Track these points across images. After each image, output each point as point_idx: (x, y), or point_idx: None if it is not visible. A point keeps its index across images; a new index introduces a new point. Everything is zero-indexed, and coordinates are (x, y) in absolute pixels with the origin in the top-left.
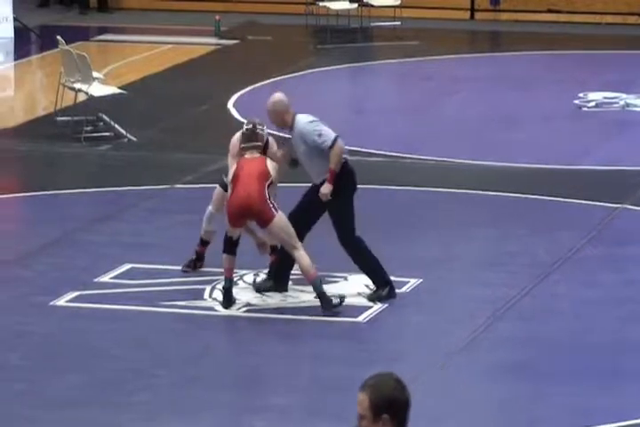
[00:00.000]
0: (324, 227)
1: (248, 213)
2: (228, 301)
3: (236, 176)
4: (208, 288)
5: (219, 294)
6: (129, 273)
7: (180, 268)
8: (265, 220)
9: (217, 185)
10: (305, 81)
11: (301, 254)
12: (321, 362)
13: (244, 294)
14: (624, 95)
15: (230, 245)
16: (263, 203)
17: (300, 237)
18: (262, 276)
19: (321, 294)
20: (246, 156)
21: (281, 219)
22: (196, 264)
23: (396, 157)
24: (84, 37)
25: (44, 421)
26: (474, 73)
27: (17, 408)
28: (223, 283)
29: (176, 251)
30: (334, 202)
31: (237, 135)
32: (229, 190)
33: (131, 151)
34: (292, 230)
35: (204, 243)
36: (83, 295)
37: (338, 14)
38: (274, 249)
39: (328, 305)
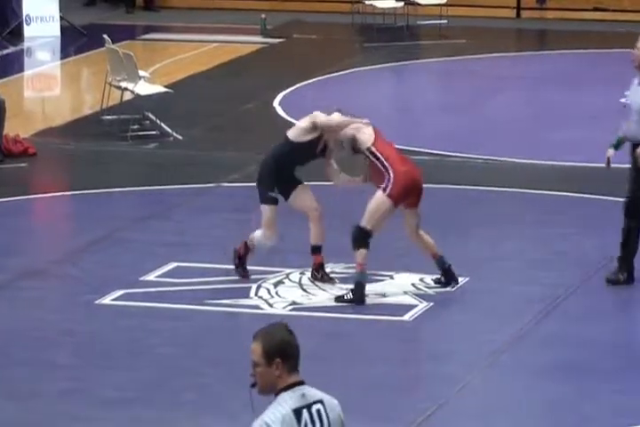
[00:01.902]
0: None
1: (418, 190)
2: (362, 296)
3: (393, 150)
4: (254, 287)
5: (264, 293)
6: (174, 272)
7: (225, 266)
8: (420, 199)
9: (264, 204)
10: (350, 79)
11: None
12: (366, 361)
13: (290, 292)
14: None
15: (368, 239)
16: None
17: None
18: (307, 274)
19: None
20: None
21: None
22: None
23: (441, 155)
24: (130, 36)
25: (90, 419)
26: (520, 71)
27: (63, 407)
28: (358, 278)
29: (222, 249)
30: None
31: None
32: (392, 163)
33: (176, 150)
34: None
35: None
36: (128, 294)
37: (384, 13)
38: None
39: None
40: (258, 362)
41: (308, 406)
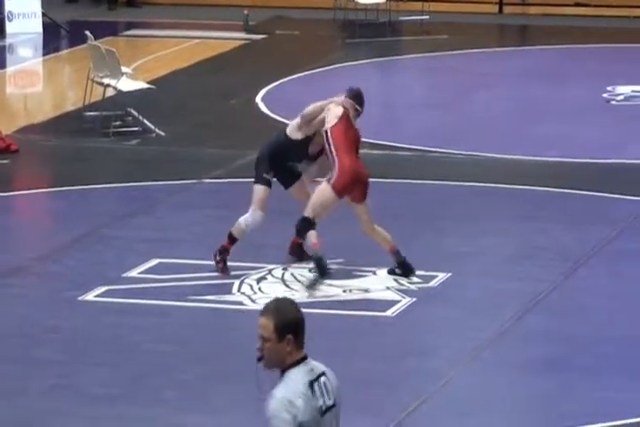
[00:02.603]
0: (353, 221)
1: (363, 185)
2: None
3: (347, 142)
4: (237, 283)
5: (247, 289)
6: (157, 268)
7: (208, 262)
8: (366, 193)
9: (258, 184)
10: (333, 75)
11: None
12: (349, 356)
13: (272, 288)
14: None
15: (312, 228)
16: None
17: None
18: (290, 270)
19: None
20: (354, 121)
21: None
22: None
23: (424, 151)
24: (113, 32)
25: (75, 415)
26: (502, 67)
27: (47, 403)
28: (315, 255)
29: (204, 246)
30: None
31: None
32: (340, 154)
33: (159, 146)
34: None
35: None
36: (111, 290)
37: (366, 8)
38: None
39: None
40: (268, 337)
41: (317, 379)
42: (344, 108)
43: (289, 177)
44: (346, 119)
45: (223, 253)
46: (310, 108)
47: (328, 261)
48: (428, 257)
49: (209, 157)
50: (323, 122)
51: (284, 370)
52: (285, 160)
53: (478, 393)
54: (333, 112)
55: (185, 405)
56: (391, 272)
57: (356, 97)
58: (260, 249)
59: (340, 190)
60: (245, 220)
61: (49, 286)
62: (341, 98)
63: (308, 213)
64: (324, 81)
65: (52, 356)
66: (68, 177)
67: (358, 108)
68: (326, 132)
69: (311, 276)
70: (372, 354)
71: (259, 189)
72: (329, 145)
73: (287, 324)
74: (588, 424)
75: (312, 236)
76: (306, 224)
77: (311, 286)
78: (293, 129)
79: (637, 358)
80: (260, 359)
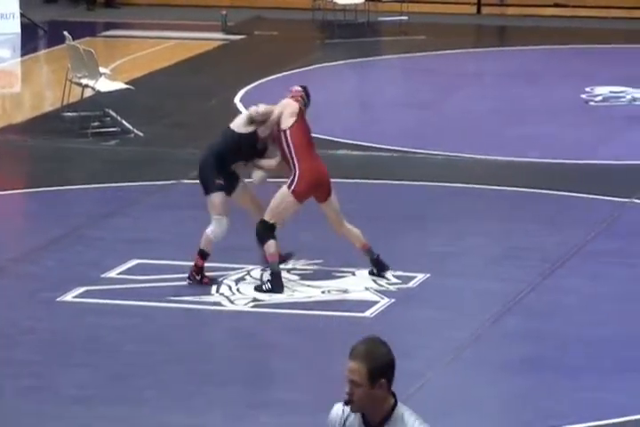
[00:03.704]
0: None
1: (324, 186)
2: (280, 285)
3: (306, 143)
4: (215, 283)
5: (226, 289)
6: (136, 269)
7: (187, 263)
8: (329, 192)
9: (213, 192)
10: (311, 76)
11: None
12: (328, 357)
13: (251, 288)
14: (631, 89)
15: (272, 232)
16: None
17: None
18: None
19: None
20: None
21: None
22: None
23: (403, 151)
24: (91, 33)
25: (52, 416)
26: (480, 67)
27: (24, 404)
28: (273, 268)
29: (183, 246)
30: None
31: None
32: (299, 158)
33: (137, 146)
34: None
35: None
36: (90, 291)
37: (344, 9)
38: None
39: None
40: (360, 383)
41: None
42: (298, 102)
43: (232, 182)
44: (301, 116)
45: (200, 272)
46: (264, 109)
47: (283, 272)
48: (407, 258)
49: (187, 157)
50: (278, 121)
51: (391, 411)
52: (231, 161)
53: (457, 393)
54: (289, 109)
55: (164, 405)
56: (372, 273)
57: (304, 88)
58: (238, 250)
59: (299, 195)
60: (213, 232)
61: (26, 287)
62: (291, 91)
63: (267, 216)
64: (302, 81)
65: (29, 356)
66: (46, 177)
67: (304, 96)
68: (284, 132)
69: (267, 284)
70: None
71: (216, 197)
72: (287, 147)
73: (381, 368)
74: (567, 425)
75: (271, 246)
76: (265, 228)
77: (259, 289)
78: (242, 123)
79: (616, 357)
80: (347, 403)
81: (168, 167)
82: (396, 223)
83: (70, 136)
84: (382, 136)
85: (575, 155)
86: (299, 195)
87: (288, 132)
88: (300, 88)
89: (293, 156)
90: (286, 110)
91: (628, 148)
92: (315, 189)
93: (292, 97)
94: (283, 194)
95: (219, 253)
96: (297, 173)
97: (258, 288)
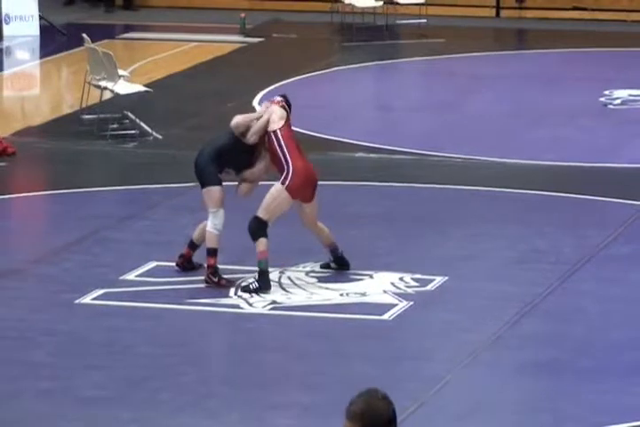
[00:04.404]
0: (349, 226)
1: (314, 186)
2: (268, 283)
3: (296, 144)
4: (234, 286)
5: (244, 292)
6: (154, 271)
7: (205, 265)
8: (314, 195)
9: (212, 186)
10: (329, 79)
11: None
12: (346, 359)
13: (271, 292)
14: None
15: (265, 229)
16: None
17: None
18: (287, 273)
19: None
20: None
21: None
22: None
23: (421, 154)
24: (110, 35)
25: (70, 418)
26: (499, 71)
27: (42, 405)
28: (261, 266)
29: (201, 248)
30: None
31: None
32: (292, 155)
33: (156, 149)
34: None
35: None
36: (108, 293)
37: (363, 12)
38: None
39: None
40: None
41: None
42: (284, 108)
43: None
44: (287, 121)
45: (216, 273)
46: (242, 119)
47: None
48: (425, 261)
49: None
50: (266, 125)
51: None
52: (226, 161)
53: (475, 396)
54: (277, 113)
55: (181, 407)
56: (325, 266)
57: (284, 97)
58: (256, 253)
59: (294, 192)
60: (214, 226)
61: (46, 289)
62: (273, 101)
63: (261, 213)
64: (321, 84)
65: (47, 358)
66: (65, 180)
67: (285, 105)
68: (274, 133)
69: (254, 284)
70: (369, 358)
71: (215, 190)
72: (279, 146)
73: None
74: None
75: (262, 244)
76: (259, 225)
77: (246, 290)
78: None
79: (634, 360)
80: None
81: (186, 170)
82: (413, 226)
83: (89, 138)
84: (400, 139)
85: (593, 158)
86: (293, 191)
87: (279, 132)
88: (280, 98)
89: (286, 153)
90: (274, 115)
91: None
92: (306, 187)
93: (282, 106)
94: (277, 190)
95: (237, 256)
96: (290, 169)
97: (245, 288)
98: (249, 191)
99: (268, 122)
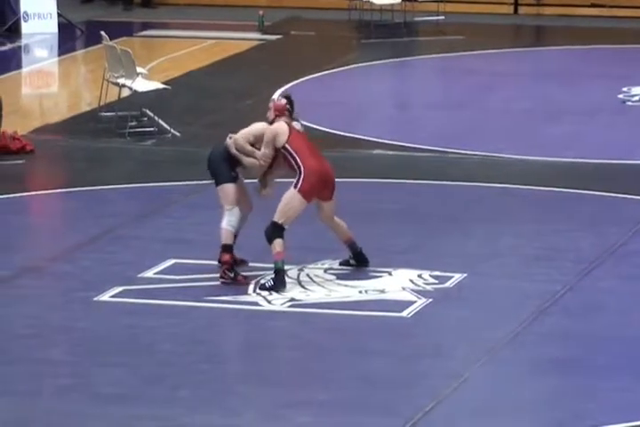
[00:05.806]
0: (367, 223)
1: (330, 185)
2: (283, 282)
3: (306, 146)
4: (252, 283)
5: (261, 290)
6: (173, 268)
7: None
8: (333, 193)
9: (226, 183)
10: (348, 76)
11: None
12: (365, 357)
13: (288, 288)
14: None
15: (281, 233)
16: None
17: None
18: (306, 270)
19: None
20: (297, 128)
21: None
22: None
23: (440, 151)
24: (128, 33)
25: (88, 416)
26: (517, 67)
27: (61, 403)
28: (277, 266)
29: (219, 246)
30: None
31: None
32: (303, 159)
33: (174, 146)
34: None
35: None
36: (127, 291)
37: (381, 9)
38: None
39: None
40: None
41: None
42: (283, 121)
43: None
44: (291, 129)
45: (232, 269)
46: (240, 140)
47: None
48: (444, 258)
49: None
50: (273, 146)
51: None
52: (239, 162)
53: (494, 394)
54: (280, 132)
55: (199, 405)
56: (345, 263)
57: (287, 98)
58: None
59: (306, 194)
60: (229, 222)
61: (64, 287)
62: (271, 104)
63: (277, 218)
64: (339, 81)
65: (66, 356)
66: (83, 177)
67: (289, 107)
68: (284, 148)
69: (270, 282)
70: (388, 354)
71: (229, 188)
72: (290, 155)
73: None
74: (604, 425)
75: (278, 244)
76: (276, 230)
77: (262, 287)
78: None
79: None
80: None
81: (205, 167)
82: (432, 223)
83: (107, 136)
84: (419, 136)
85: (612, 155)
86: (305, 193)
87: (287, 146)
88: (283, 101)
89: (296, 158)
90: (279, 137)
91: None
92: (320, 187)
93: (277, 115)
94: (290, 194)
95: (256, 253)
96: (302, 172)
97: (262, 287)
98: (270, 193)
99: (273, 143)
